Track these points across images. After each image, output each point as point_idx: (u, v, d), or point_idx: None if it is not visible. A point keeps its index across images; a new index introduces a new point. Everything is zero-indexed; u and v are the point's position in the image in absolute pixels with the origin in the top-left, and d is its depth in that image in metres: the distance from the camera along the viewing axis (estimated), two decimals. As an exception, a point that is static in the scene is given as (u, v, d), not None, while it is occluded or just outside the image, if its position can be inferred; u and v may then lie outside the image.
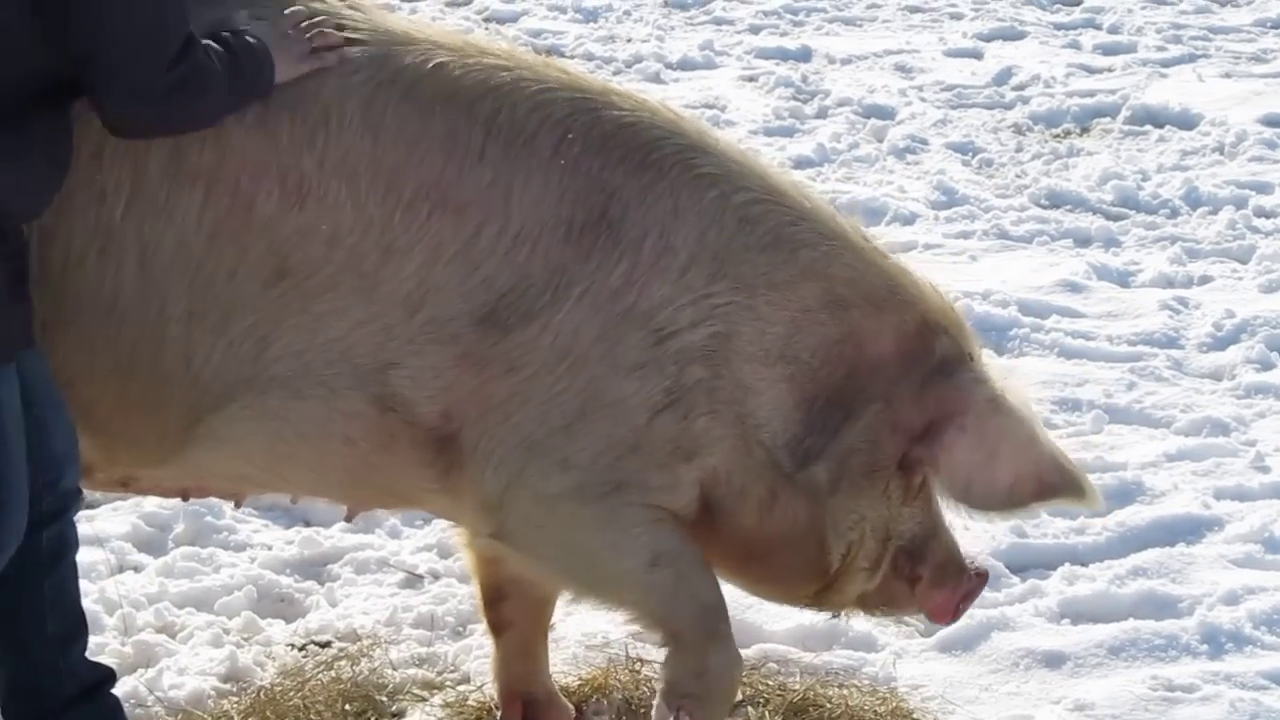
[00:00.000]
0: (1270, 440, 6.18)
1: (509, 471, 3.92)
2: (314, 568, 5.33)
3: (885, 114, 9.98)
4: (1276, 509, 5.63)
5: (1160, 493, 5.79)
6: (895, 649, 4.89)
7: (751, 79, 10.63)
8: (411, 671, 4.76)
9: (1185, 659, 4.85)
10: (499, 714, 4.50)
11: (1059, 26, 11.94)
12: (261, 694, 4.59)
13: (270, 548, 5.40)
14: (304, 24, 3.85)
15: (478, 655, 4.77)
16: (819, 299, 4.00)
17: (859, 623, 4.88)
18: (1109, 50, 11.37)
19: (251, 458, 4.00)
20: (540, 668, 4.50)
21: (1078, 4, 12.42)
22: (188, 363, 3.86)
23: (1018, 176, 9.03)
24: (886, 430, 4.03)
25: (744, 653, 4.23)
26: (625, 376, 3.89)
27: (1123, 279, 7.68)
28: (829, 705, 4.61)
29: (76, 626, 4.03)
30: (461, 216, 3.85)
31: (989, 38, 11.64)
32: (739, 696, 4.48)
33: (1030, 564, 5.36)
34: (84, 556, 5.20)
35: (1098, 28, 11.90)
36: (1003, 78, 10.66)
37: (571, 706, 4.55)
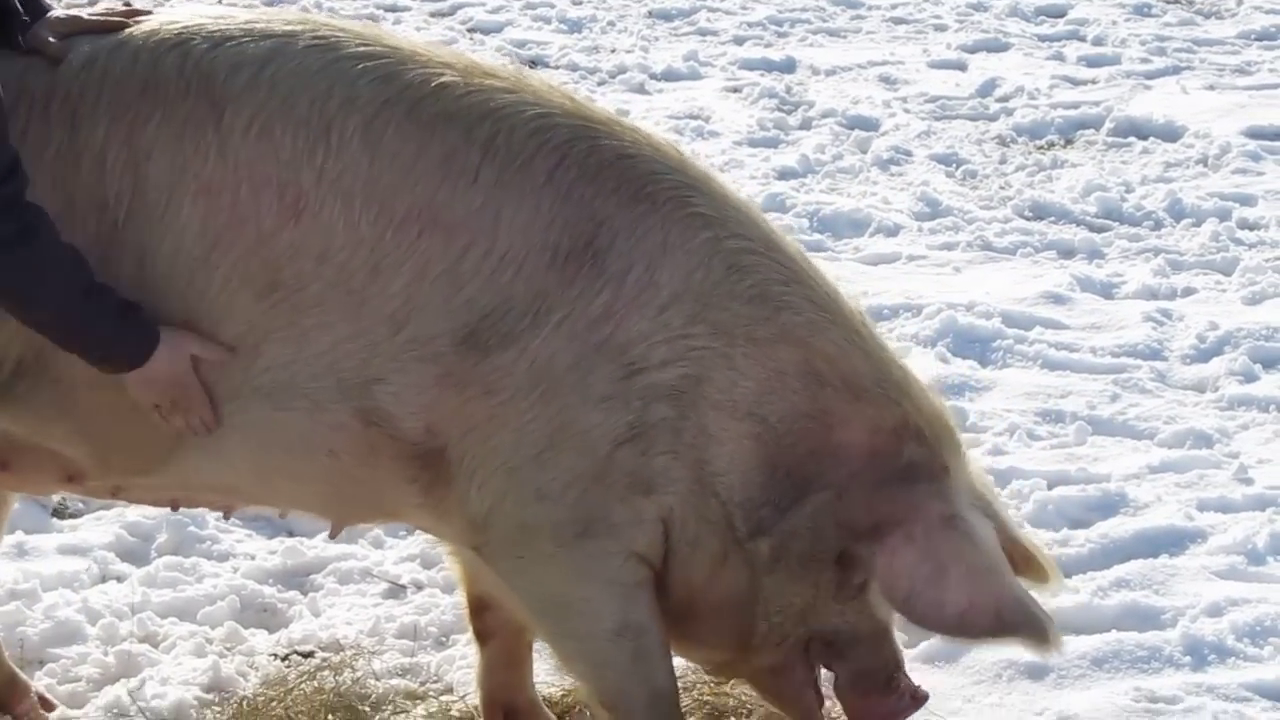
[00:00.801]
0: (1253, 452, 6.19)
1: (492, 493, 3.92)
2: (297, 578, 5.33)
3: (869, 125, 9.99)
4: (1259, 521, 5.64)
5: (1143, 504, 5.79)
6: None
7: (736, 90, 10.63)
8: (395, 681, 4.76)
9: (1168, 670, 4.85)
10: (482, 724, 4.50)
11: (1043, 38, 11.95)
12: (244, 704, 4.60)
13: (253, 557, 5.40)
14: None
15: (460, 665, 4.78)
16: (795, 366, 3.93)
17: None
18: (1093, 62, 11.39)
19: (238, 467, 4.00)
20: (524, 677, 4.50)
21: (1062, 16, 12.44)
22: None
23: (1002, 188, 9.04)
24: (830, 522, 3.94)
25: (728, 663, 4.22)
26: (593, 407, 3.86)
27: (1106, 291, 7.69)
28: (812, 716, 4.60)
29: None
30: (450, 236, 3.84)
31: (973, 49, 11.66)
32: (723, 707, 4.48)
33: (1013, 575, 5.35)
34: (67, 565, 5.26)
35: (1082, 40, 11.92)
36: (987, 89, 10.68)
37: (554, 717, 4.55)
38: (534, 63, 10.91)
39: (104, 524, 5.51)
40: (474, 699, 4.55)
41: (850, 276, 7.68)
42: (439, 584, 5.20)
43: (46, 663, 4.83)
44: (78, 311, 3.69)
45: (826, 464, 3.94)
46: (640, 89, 10.60)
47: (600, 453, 3.88)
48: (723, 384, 3.90)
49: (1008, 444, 6.20)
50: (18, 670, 4.63)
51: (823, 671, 4.20)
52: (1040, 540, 5.46)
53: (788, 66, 11.14)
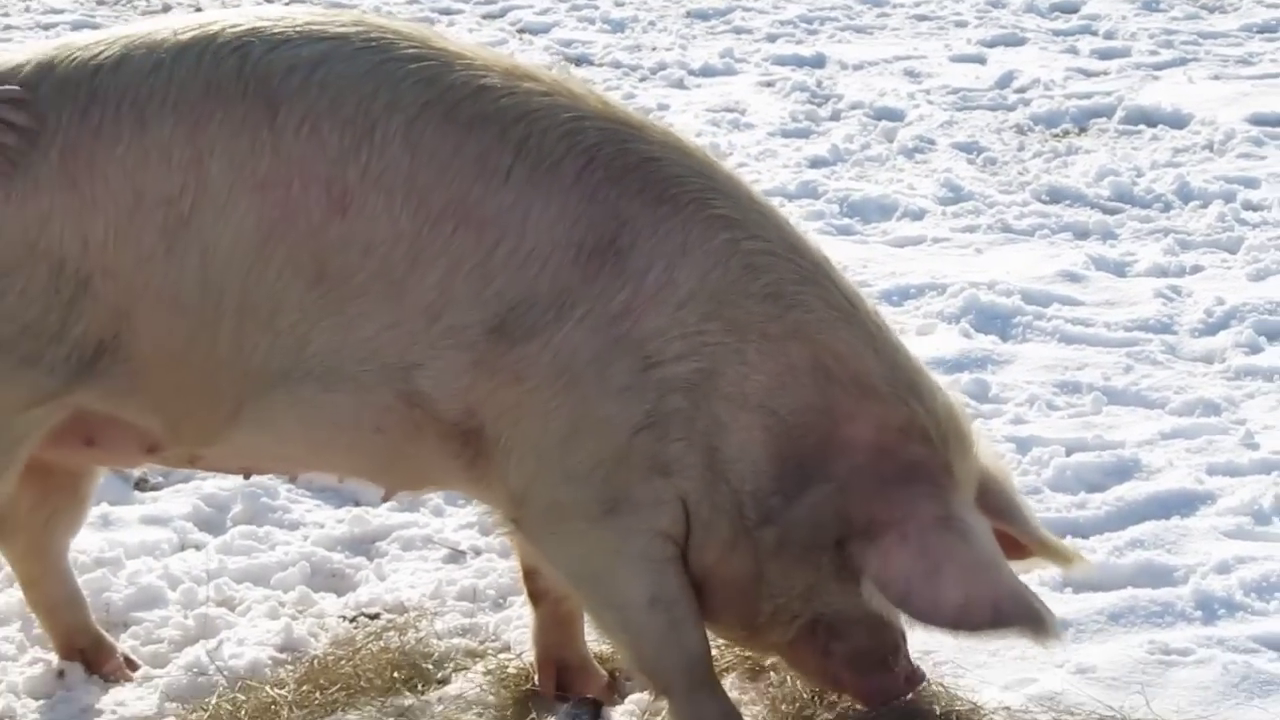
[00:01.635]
0: (1259, 419, 6.17)
1: (526, 473, 3.92)
2: (363, 544, 5.33)
3: (895, 116, 9.97)
4: (1265, 484, 5.61)
5: (1156, 469, 5.77)
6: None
7: (769, 84, 10.61)
8: (455, 641, 4.76)
9: (1180, 625, 4.84)
10: (536, 679, 4.50)
11: (1058, 33, 11.91)
12: (315, 663, 4.60)
13: (322, 526, 5.41)
14: None
15: (517, 625, 4.78)
16: (805, 362, 3.88)
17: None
18: (1105, 55, 11.34)
19: (291, 441, 4.02)
20: (575, 636, 4.49)
21: (1075, 11, 12.40)
22: (237, 353, 3.88)
23: (1020, 174, 9.01)
24: (831, 514, 3.89)
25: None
26: (613, 398, 3.84)
27: (1119, 269, 7.66)
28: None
29: None
30: (482, 232, 3.82)
31: (992, 44, 11.62)
32: (762, 661, 4.48)
33: (1034, 537, 5.34)
34: (148, 535, 5.28)
35: (1094, 34, 11.87)
36: (1005, 81, 10.64)
37: (605, 673, 4.55)
38: (579, 61, 10.91)
39: (182, 496, 5.52)
40: (530, 656, 4.55)
41: (879, 258, 7.68)
42: (496, 549, 5.20)
43: (130, 625, 4.84)
44: None
45: (833, 457, 3.90)
46: (679, 84, 10.58)
47: (620, 439, 3.86)
48: (734, 377, 3.86)
49: (1028, 414, 6.18)
50: (104, 633, 4.66)
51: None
52: (1058, 504, 5.49)
53: (818, 62, 11.12)
